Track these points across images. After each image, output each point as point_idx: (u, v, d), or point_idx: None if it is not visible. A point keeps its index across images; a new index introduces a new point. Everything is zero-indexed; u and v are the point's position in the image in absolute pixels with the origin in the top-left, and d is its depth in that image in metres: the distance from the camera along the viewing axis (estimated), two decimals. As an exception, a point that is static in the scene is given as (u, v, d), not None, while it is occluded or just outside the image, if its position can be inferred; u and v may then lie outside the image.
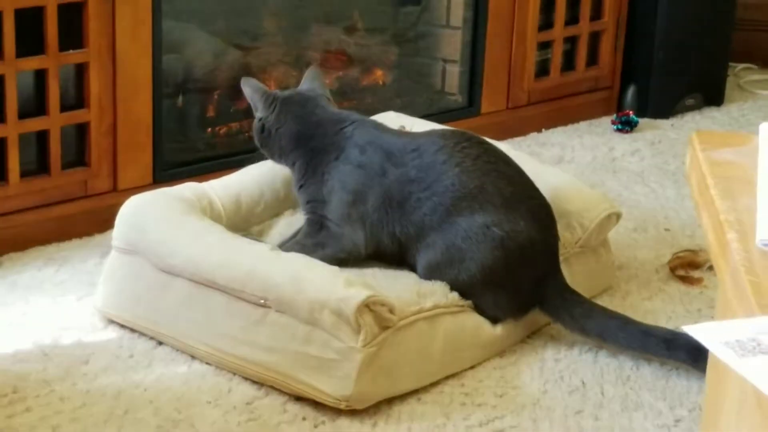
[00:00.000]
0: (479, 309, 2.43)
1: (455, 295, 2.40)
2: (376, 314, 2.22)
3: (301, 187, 2.57)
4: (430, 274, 2.43)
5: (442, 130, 2.59)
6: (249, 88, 2.63)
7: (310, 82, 2.68)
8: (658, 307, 2.68)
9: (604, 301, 2.68)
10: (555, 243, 2.51)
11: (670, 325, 2.60)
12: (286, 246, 2.53)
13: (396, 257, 2.50)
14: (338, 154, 2.52)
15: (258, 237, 2.63)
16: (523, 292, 2.45)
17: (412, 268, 2.48)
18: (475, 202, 2.41)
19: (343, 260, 2.47)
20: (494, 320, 2.44)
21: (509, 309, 2.44)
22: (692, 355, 2.32)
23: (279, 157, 2.61)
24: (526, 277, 2.43)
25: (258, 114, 2.62)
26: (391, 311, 2.24)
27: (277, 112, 2.59)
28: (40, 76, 2.77)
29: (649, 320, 2.61)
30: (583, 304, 2.45)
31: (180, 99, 3.21)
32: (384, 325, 2.24)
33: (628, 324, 2.41)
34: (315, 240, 2.51)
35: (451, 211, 2.41)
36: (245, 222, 2.65)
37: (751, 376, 0.89)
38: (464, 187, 2.42)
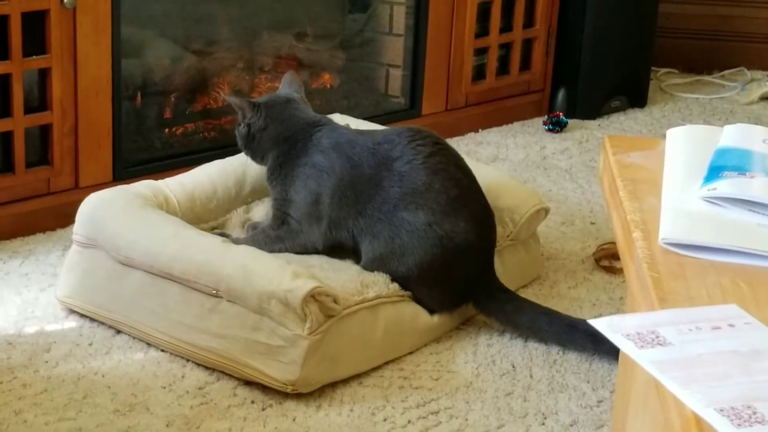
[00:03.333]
0: (416, 300, 2.43)
1: (396, 285, 2.41)
2: (321, 304, 2.22)
3: (271, 184, 2.57)
4: (372, 265, 2.44)
5: (403, 127, 2.57)
6: (235, 99, 2.63)
7: (288, 86, 2.68)
8: (583, 295, 2.70)
9: (533, 290, 2.70)
10: (491, 246, 2.52)
11: (594, 312, 2.63)
12: (252, 233, 2.55)
13: (354, 251, 2.50)
14: (304, 158, 2.52)
15: (224, 232, 2.62)
16: (456, 289, 2.46)
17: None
18: (421, 199, 2.41)
19: (299, 254, 2.49)
20: (430, 311, 2.45)
21: (442, 303, 2.45)
22: (614, 350, 2.33)
23: (261, 158, 2.60)
24: (460, 276, 2.44)
25: (245, 120, 2.59)
26: (336, 301, 2.25)
27: (263, 116, 2.58)
28: (5, 80, 2.75)
29: (575, 307, 2.63)
30: (514, 301, 2.47)
31: (138, 101, 3.19)
32: (329, 314, 2.24)
33: (556, 319, 2.42)
34: (276, 233, 2.52)
35: (398, 204, 2.42)
36: (199, 218, 2.64)
37: (648, 366, 0.90)
38: (412, 183, 2.42)
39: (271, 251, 2.47)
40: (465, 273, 2.44)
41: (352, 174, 2.46)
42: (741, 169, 1.24)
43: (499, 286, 2.49)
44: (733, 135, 1.33)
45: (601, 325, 0.96)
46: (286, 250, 2.49)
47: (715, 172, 1.24)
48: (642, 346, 0.92)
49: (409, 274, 2.40)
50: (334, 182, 2.47)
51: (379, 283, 2.39)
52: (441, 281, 2.43)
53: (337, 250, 2.51)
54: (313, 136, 2.54)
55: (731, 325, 0.96)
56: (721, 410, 0.84)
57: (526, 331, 2.45)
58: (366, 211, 2.45)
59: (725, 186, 1.20)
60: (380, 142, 2.49)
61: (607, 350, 2.36)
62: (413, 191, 2.42)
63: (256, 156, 2.61)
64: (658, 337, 0.93)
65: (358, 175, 2.46)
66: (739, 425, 0.83)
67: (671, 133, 1.36)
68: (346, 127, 2.62)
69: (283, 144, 2.55)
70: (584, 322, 2.42)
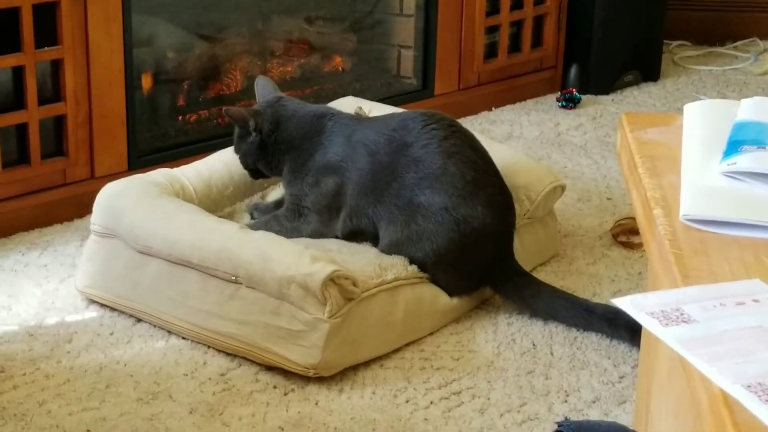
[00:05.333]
0: (434, 283, 2.43)
1: (414, 267, 2.40)
2: (340, 287, 2.22)
3: (290, 184, 2.53)
4: (390, 250, 2.43)
5: (415, 112, 2.56)
6: (234, 112, 2.57)
7: (265, 89, 2.63)
8: (602, 272, 2.70)
9: (552, 267, 2.70)
10: (509, 230, 2.50)
11: (613, 288, 2.62)
12: (265, 218, 2.54)
13: (374, 236, 2.49)
14: (320, 153, 2.50)
15: (233, 219, 2.62)
16: (474, 273, 2.45)
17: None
18: (438, 183, 2.40)
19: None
20: (448, 294, 2.44)
21: (460, 287, 2.45)
22: (631, 333, 2.32)
23: (276, 166, 2.54)
24: (477, 260, 2.44)
25: (254, 128, 2.53)
26: (355, 284, 2.25)
27: (269, 120, 2.53)
28: (18, 72, 2.75)
29: (593, 284, 2.63)
30: (532, 286, 2.46)
31: (151, 89, 3.19)
32: (348, 297, 2.24)
33: (573, 304, 2.41)
34: (292, 225, 2.51)
35: (414, 190, 2.41)
36: (216, 205, 2.64)
37: (674, 344, 0.90)
38: (427, 167, 2.41)
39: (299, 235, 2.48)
40: (482, 257, 2.43)
41: (371, 162, 2.45)
42: (760, 143, 1.23)
43: (518, 269, 2.48)
44: (751, 108, 1.33)
45: (624, 303, 0.96)
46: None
47: (734, 146, 1.23)
48: (666, 324, 0.92)
49: (425, 259, 2.40)
50: (354, 173, 2.46)
51: (398, 266, 2.39)
52: (458, 266, 2.43)
53: (356, 236, 2.51)
54: (324, 131, 2.51)
55: (756, 300, 0.96)
56: (749, 386, 0.84)
57: (543, 315, 2.45)
58: (384, 198, 2.44)
59: (745, 160, 1.19)
60: (395, 128, 2.47)
61: (625, 335, 2.34)
62: (429, 176, 2.41)
63: (271, 165, 2.55)
64: (682, 314, 0.93)
65: (376, 163, 2.45)
66: (767, 401, 0.82)
67: (688, 108, 1.35)
68: (354, 116, 2.60)
69: (297, 143, 2.52)
70: (602, 306, 2.40)
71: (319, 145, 2.51)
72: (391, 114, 2.63)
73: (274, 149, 2.54)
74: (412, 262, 2.41)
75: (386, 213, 2.44)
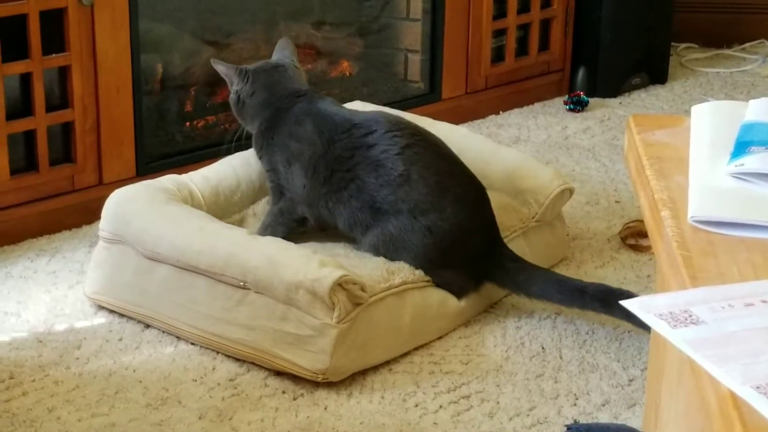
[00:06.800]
0: (439, 287, 2.43)
1: (421, 271, 2.40)
2: (348, 292, 2.22)
3: (257, 153, 2.61)
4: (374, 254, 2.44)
5: (382, 114, 2.55)
6: (222, 66, 2.66)
7: (280, 51, 2.70)
8: (610, 274, 2.69)
9: (561, 270, 2.69)
10: (488, 220, 2.49)
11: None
12: (263, 220, 2.57)
13: (336, 229, 2.50)
14: (284, 127, 2.54)
15: (241, 226, 2.63)
16: (465, 269, 2.45)
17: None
18: (401, 192, 2.39)
19: (301, 223, 2.53)
20: (456, 296, 2.44)
21: (461, 286, 2.45)
22: (627, 312, 2.31)
23: (251, 124, 2.63)
24: (463, 257, 2.43)
25: (234, 87, 2.64)
26: (363, 289, 2.25)
27: (250, 83, 2.61)
28: (26, 79, 2.76)
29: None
30: (525, 271, 2.45)
31: (159, 96, 3.19)
32: (356, 302, 2.24)
33: (566, 285, 2.40)
34: (279, 207, 2.55)
35: (376, 196, 2.40)
36: (224, 211, 2.64)
37: (682, 346, 0.90)
38: (388, 174, 2.41)
39: (282, 228, 2.50)
40: (467, 253, 2.43)
41: (325, 149, 2.46)
42: (768, 144, 1.23)
43: (509, 255, 2.47)
44: (759, 110, 1.32)
45: (633, 305, 0.95)
46: (292, 221, 2.52)
47: (741, 147, 1.23)
48: (675, 326, 0.92)
49: (411, 264, 2.40)
50: (308, 153, 2.48)
51: (405, 270, 2.39)
52: (446, 267, 2.42)
53: (319, 223, 2.52)
54: (294, 106, 2.55)
55: (764, 301, 0.96)
56: (758, 387, 0.84)
57: (538, 299, 2.45)
58: (343, 197, 2.44)
59: (753, 161, 1.19)
60: (358, 124, 2.48)
61: (618, 316, 2.35)
62: (390, 183, 2.40)
63: (246, 122, 2.64)
64: (691, 315, 0.93)
65: (329, 152, 2.46)
66: (776, 402, 0.82)
67: (696, 109, 1.35)
68: (329, 99, 2.63)
69: (266, 112, 2.57)
70: (594, 286, 2.40)
71: (283, 119, 2.54)
72: (358, 111, 2.62)
73: (248, 111, 2.61)
74: None
75: (348, 212, 2.44)
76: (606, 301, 2.34)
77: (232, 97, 2.64)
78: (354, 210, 2.43)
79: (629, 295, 2.35)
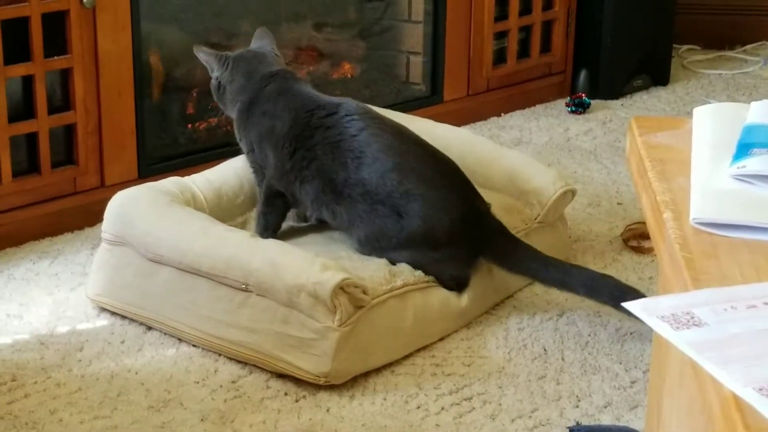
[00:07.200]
0: (441, 281, 2.42)
1: (421, 272, 2.40)
2: (350, 295, 2.22)
3: (238, 137, 2.63)
4: (364, 249, 2.45)
5: (345, 100, 2.57)
6: (202, 53, 2.68)
7: (259, 40, 2.72)
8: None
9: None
10: (463, 196, 2.45)
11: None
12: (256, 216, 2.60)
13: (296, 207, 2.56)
14: (258, 107, 2.57)
15: (244, 229, 2.64)
16: (452, 249, 2.41)
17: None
18: (357, 173, 2.40)
19: (286, 202, 2.55)
20: (458, 284, 2.43)
21: (455, 271, 2.43)
22: (614, 297, 2.34)
23: (231, 109, 2.65)
24: (443, 237, 2.40)
25: (214, 74, 2.66)
26: (365, 292, 2.25)
27: (230, 70, 2.63)
28: (28, 81, 2.76)
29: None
30: (512, 246, 2.43)
31: (160, 98, 3.19)
32: (358, 305, 2.24)
33: (552, 266, 2.41)
34: (263, 188, 2.58)
35: (334, 178, 2.42)
36: (226, 214, 2.64)
37: (685, 348, 0.90)
38: (343, 157, 2.42)
39: (272, 209, 2.54)
40: (447, 231, 2.40)
41: (290, 126, 2.50)
42: (770, 146, 1.23)
43: (497, 227, 2.44)
44: (760, 111, 1.32)
45: (635, 307, 0.95)
46: (276, 200, 2.54)
47: (743, 149, 1.23)
48: (678, 328, 0.92)
49: (397, 252, 2.40)
50: (278, 128, 2.52)
51: (406, 272, 2.39)
52: (432, 249, 2.39)
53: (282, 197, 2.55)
54: (268, 85, 2.58)
55: (767, 303, 0.96)
56: (760, 389, 0.84)
57: (526, 277, 2.46)
58: (307, 177, 2.46)
59: (755, 163, 1.19)
60: (322, 106, 2.51)
61: (605, 300, 2.37)
62: (346, 165, 2.41)
63: (226, 107, 2.66)
64: (693, 317, 0.93)
65: (293, 129, 2.49)
66: (778, 404, 0.82)
67: (698, 111, 1.35)
68: (304, 80, 2.67)
69: (244, 95, 2.60)
70: (579, 272, 2.41)
71: (257, 100, 2.57)
72: (331, 97, 2.64)
73: (227, 97, 2.64)
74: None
75: (313, 191, 2.45)
76: (592, 286, 2.37)
77: (213, 83, 2.67)
78: (317, 190, 2.46)
79: (612, 280, 2.37)
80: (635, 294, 2.33)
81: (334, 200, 2.44)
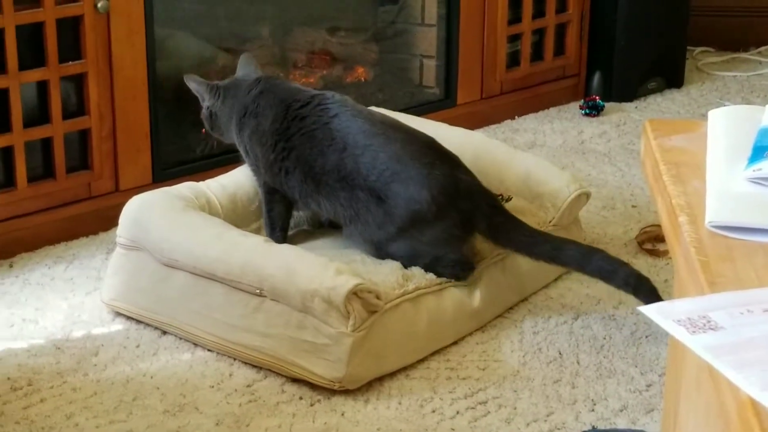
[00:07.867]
0: (442, 270, 2.41)
1: (432, 275, 2.40)
2: (363, 300, 2.22)
3: (240, 147, 2.65)
4: (359, 240, 2.47)
5: (318, 91, 2.62)
6: (194, 82, 2.71)
7: (245, 67, 2.73)
8: (627, 280, 2.68)
9: (577, 275, 2.68)
10: (448, 171, 2.42)
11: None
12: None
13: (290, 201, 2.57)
14: (247, 110, 2.60)
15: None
16: (443, 229, 2.41)
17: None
18: (332, 159, 2.43)
19: (288, 207, 2.58)
20: (462, 269, 2.42)
21: (453, 255, 2.42)
22: (604, 275, 2.36)
23: (227, 133, 2.68)
24: (430, 216, 2.38)
25: (205, 103, 2.68)
26: (378, 297, 2.25)
27: (221, 98, 2.65)
28: (42, 87, 2.77)
29: (619, 292, 2.60)
30: (505, 223, 2.42)
31: (175, 102, 3.20)
32: (371, 310, 2.24)
33: (541, 242, 2.40)
34: (263, 190, 2.60)
35: (313, 167, 2.46)
36: (241, 219, 2.64)
37: (701, 352, 0.90)
38: (319, 145, 2.45)
39: (274, 209, 2.56)
40: (433, 210, 2.37)
41: (272, 120, 2.53)
42: (786, 148, 1.22)
43: (486, 200, 2.43)
44: (775, 114, 1.32)
45: (651, 311, 0.95)
46: (275, 195, 2.56)
47: (759, 152, 1.22)
48: (694, 332, 0.91)
49: (390, 239, 2.41)
50: (262, 124, 2.55)
51: (418, 275, 2.39)
52: (422, 232, 2.39)
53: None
54: (251, 91, 2.61)
55: (783, 307, 0.95)
56: (777, 393, 0.84)
57: (516, 252, 2.45)
58: (289, 168, 2.49)
59: (770, 166, 1.19)
60: (298, 99, 2.55)
61: (596, 277, 2.39)
62: (323, 153, 2.44)
63: (222, 133, 2.69)
64: (709, 321, 0.93)
65: (274, 122, 2.53)
66: (795, 408, 0.82)
67: (713, 114, 1.35)
68: (284, 80, 2.72)
69: (237, 109, 2.62)
70: (570, 246, 2.41)
71: (247, 109, 2.60)
72: (314, 90, 2.68)
73: (221, 120, 2.66)
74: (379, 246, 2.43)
75: (297, 182, 2.49)
76: (582, 262, 2.39)
77: (204, 113, 2.69)
78: (299, 180, 2.49)
79: (602, 253, 2.39)
80: (626, 268, 2.36)
81: (316, 190, 2.47)
